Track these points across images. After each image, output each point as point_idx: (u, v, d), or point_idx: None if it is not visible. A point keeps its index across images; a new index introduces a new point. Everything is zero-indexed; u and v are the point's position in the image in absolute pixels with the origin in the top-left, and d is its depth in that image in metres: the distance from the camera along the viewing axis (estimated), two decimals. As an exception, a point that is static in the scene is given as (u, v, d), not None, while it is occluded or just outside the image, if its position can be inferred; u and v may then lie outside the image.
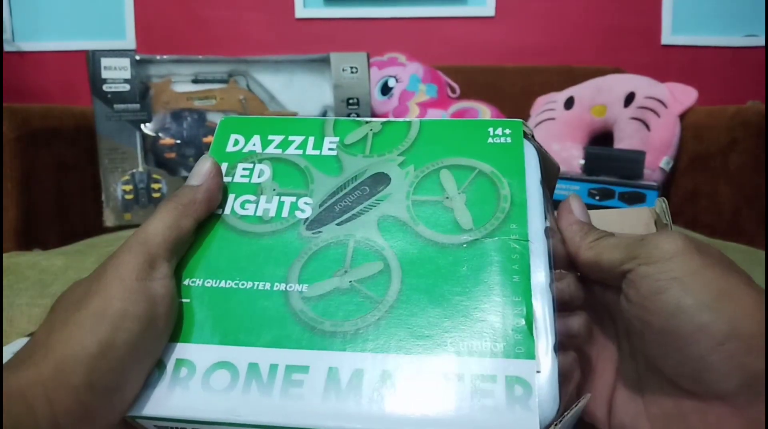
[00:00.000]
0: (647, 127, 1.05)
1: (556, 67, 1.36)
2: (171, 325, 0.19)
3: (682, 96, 1.06)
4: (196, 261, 0.21)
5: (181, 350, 0.19)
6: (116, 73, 0.90)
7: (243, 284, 0.20)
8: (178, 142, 0.93)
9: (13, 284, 0.46)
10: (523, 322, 0.18)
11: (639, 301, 0.18)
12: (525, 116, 1.23)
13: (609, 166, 0.96)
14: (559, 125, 1.15)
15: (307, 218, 0.21)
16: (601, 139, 1.15)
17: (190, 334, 0.19)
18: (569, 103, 1.17)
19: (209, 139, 0.96)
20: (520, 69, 1.34)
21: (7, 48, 1.84)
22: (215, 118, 0.96)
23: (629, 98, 1.09)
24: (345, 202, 0.22)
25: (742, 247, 0.60)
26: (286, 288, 0.19)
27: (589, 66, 1.36)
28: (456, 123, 0.23)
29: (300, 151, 0.23)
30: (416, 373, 0.17)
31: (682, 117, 1.05)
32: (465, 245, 0.20)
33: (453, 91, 1.22)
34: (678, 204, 1.04)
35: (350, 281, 0.19)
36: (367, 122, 0.24)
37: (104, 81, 0.89)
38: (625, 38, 1.71)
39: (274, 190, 0.22)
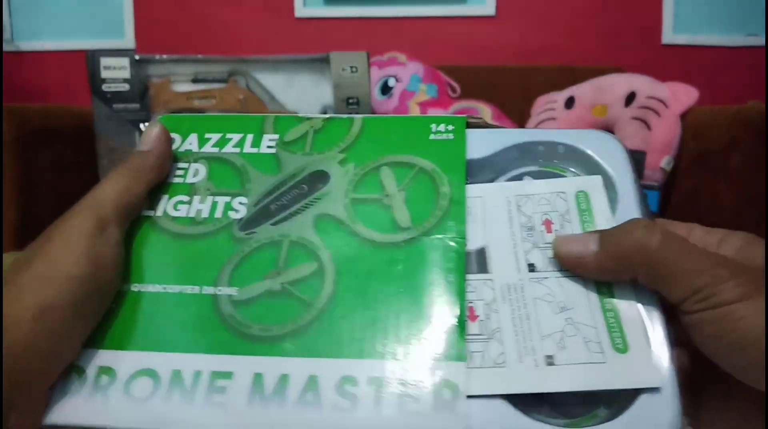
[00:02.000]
0: (648, 126, 1.05)
1: (556, 66, 1.35)
2: (114, 291, 0.19)
3: (682, 96, 1.06)
4: (124, 265, 0.21)
5: (103, 357, 0.18)
6: (116, 72, 0.90)
7: (171, 288, 0.19)
8: (178, 141, 0.93)
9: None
10: (455, 322, 0.17)
11: (701, 340, 0.17)
12: (525, 116, 1.23)
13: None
14: (559, 125, 1.15)
15: (241, 218, 0.21)
16: (601, 138, 1.15)
17: (113, 340, 0.19)
18: (570, 103, 1.16)
19: (209, 138, 0.96)
20: (520, 68, 1.34)
21: (6, 47, 1.84)
22: (215, 117, 0.96)
23: (630, 98, 1.09)
24: (281, 201, 0.21)
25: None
26: (215, 291, 0.19)
27: (589, 65, 1.36)
28: (399, 119, 0.23)
29: (237, 150, 0.23)
30: (343, 379, 0.16)
31: (683, 117, 1.05)
32: (402, 244, 0.19)
33: (453, 90, 1.22)
34: (679, 204, 1.04)
35: (282, 283, 0.19)
36: (308, 119, 0.23)
37: (104, 81, 0.89)
38: (626, 38, 1.71)
39: (208, 190, 0.22)
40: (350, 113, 1.10)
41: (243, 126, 0.23)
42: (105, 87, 0.89)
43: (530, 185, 0.22)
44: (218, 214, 0.21)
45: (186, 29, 1.81)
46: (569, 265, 0.20)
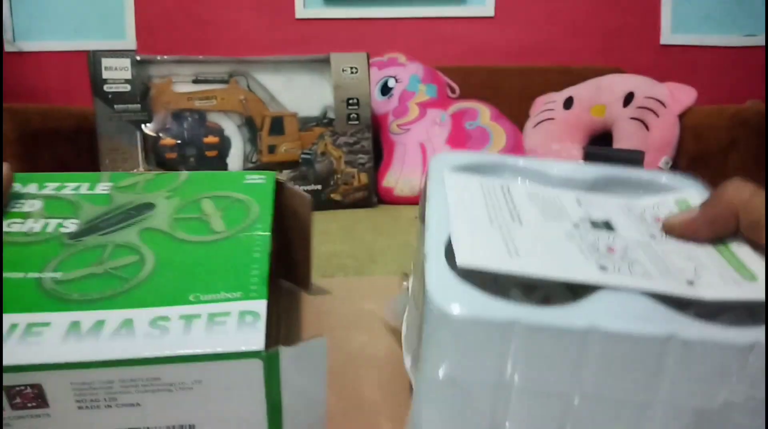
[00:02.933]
0: (646, 126, 1.05)
1: (555, 67, 1.36)
2: None
3: (681, 96, 1.06)
4: None
5: None
6: (117, 73, 0.91)
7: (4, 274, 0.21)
8: (179, 142, 0.94)
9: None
10: (258, 273, 0.21)
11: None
12: (524, 116, 1.23)
13: (608, 165, 0.97)
14: (558, 125, 1.15)
15: (71, 232, 0.23)
16: (600, 138, 1.16)
17: None
18: (568, 103, 1.17)
19: (210, 139, 0.96)
20: (519, 69, 1.34)
21: (7, 48, 1.85)
22: (216, 118, 0.97)
23: (628, 98, 1.10)
24: (110, 221, 0.24)
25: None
26: (39, 276, 0.21)
27: (588, 66, 1.36)
28: (219, 173, 0.28)
29: (73, 192, 0.26)
30: (156, 318, 0.18)
31: (682, 117, 1.06)
32: (217, 241, 0.23)
33: (452, 91, 1.22)
34: (677, 203, 1.05)
35: (105, 268, 0.21)
36: (141, 174, 0.27)
37: (105, 81, 0.89)
38: (625, 38, 1.72)
39: (41, 215, 0.24)
40: (350, 113, 1.10)
41: (80, 178, 0.27)
42: (106, 87, 0.90)
43: (641, 199, 0.26)
44: (49, 229, 0.23)
45: (187, 30, 1.82)
46: (682, 233, 0.22)
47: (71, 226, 0.23)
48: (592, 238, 0.22)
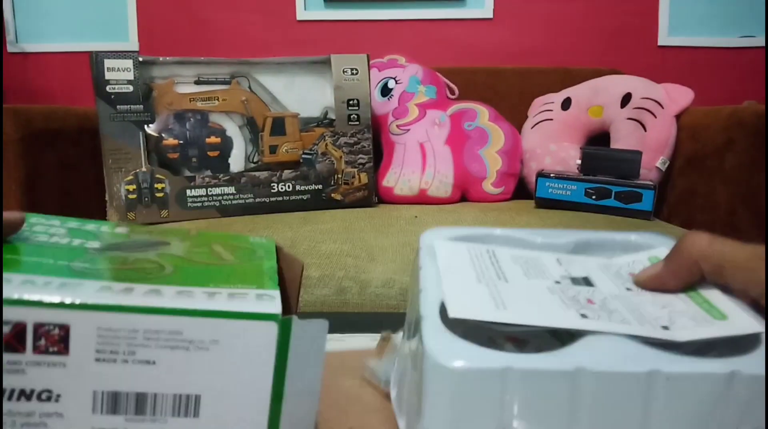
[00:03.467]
0: (643, 127, 1.06)
1: (553, 68, 1.37)
2: None
3: (678, 96, 1.07)
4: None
5: None
6: (119, 74, 0.92)
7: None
8: (181, 142, 0.94)
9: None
10: (269, 278, 0.23)
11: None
12: (523, 117, 1.24)
13: (606, 166, 0.98)
14: (556, 126, 1.16)
15: (94, 248, 0.24)
16: (597, 139, 1.17)
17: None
18: (566, 104, 1.18)
19: (212, 139, 0.97)
20: (517, 70, 1.35)
21: (10, 49, 1.86)
22: (218, 119, 0.98)
23: (626, 99, 1.11)
24: (132, 247, 0.25)
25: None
26: (68, 263, 0.21)
27: (586, 67, 1.37)
28: (224, 234, 0.29)
29: (94, 226, 0.27)
30: (180, 291, 0.20)
31: (678, 117, 1.07)
32: (228, 264, 0.24)
33: (452, 92, 1.23)
34: (674, 203, 1.06)
35: (131, 267, 0.22)
36: (159, 232, 0.29)
37: (107, 82, 0.90)
38: (622, 39, 1.73)
39: (67, 236, 0.25)
40: (351, 114, 1.11)
41: (98, 223, 0.28)
42: (109, 88, 0.91)
43: (617, 258, 0.28)
44: (75, 243, 0.24)
45: (189, 31, 1.83)
46: (651, 286, 0.24)
47: (93, 244, 0.25)
48: (573, 292, 0.24)
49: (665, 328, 0.20)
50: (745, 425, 0.18)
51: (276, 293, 0.21)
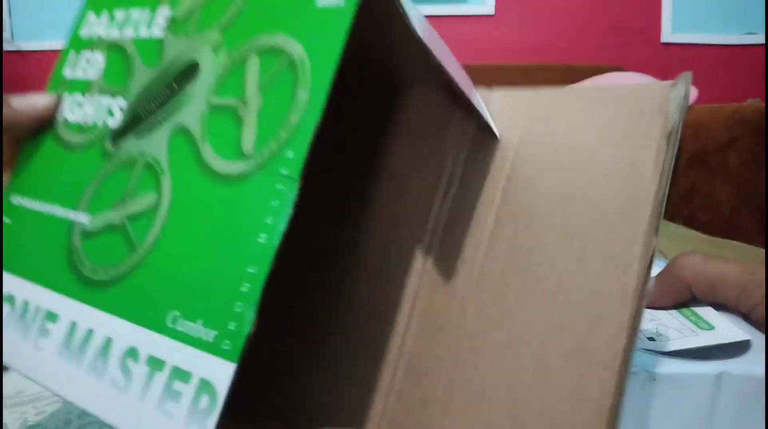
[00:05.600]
0: (646, 125, 1.05)
1: (556, 65, 1.36)
2: None
3: (681, 94, 1.06)
4: (23, 176, 0.20)
5: None
6: (116, 72, 0.90)
7: (43, 207, 0.19)
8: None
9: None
10: (241, 304, 0.14)
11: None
12: (524, 115, 1.23)
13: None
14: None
15: (115, 128, 0.20)
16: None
17: None
18: (568, 102, 1.17)
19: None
20: (520, 67, 1.34)
21: (6, 47, 1.85)
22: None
23: (628, 96, 1.09)
24: (151, 105, 0.19)
25: (740, 245, 0.61)
26: (74, 217, 0.18)
27: (589, 64, 1.36)
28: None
29: (133, 34, 0.21)
30: (127, 352, 0.15)
31: (681, 115, 1.05)
32: (234, 180, 0.16)
33: (452, 89, 1.22)
34: (676, 202, 1.05)
35: (122, 216, 0.18)
36: None
37: (104, 80, 0.89)
38: (625, 36, 1.71)
39: (99, 88, 0.21)
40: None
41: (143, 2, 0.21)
42: (105, 86, 0.89)
43: None
44: (100, 120, 0.20)
45: (186, 28, 1.81)
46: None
47: (117, 113, 0.20)
48: None
49: (651, 339, 0.20)
50: (736, 426, 0.18)
51: (226, 374, 0.14)
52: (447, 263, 0.20)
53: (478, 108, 0.21)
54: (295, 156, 0.15)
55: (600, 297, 0.17)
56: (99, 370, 0.16)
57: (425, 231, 0.22)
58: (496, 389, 0.17)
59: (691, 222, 0.98)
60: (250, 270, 0.14)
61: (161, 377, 0.15)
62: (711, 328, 0.21)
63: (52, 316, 0.17)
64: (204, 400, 0.14)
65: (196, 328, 0.15)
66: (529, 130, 0.22)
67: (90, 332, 0.16)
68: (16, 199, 0.20)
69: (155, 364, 0.15)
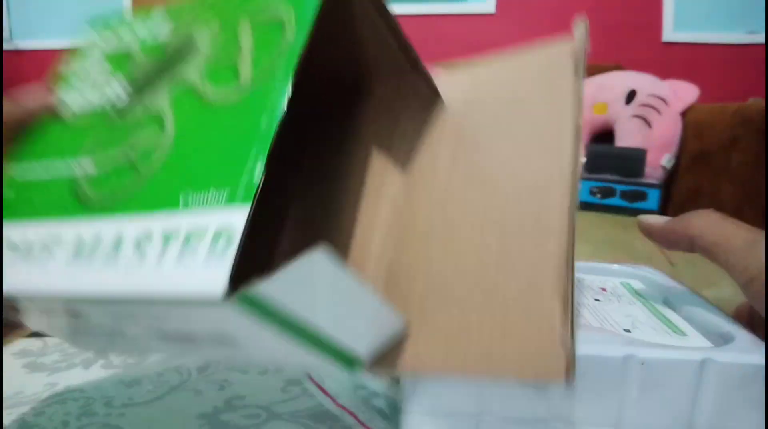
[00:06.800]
0: (648, 124, 1.05)
1: (556, 64, 1.35)
2: None
3: (683, 93, 1.06)
4: (21, 147, 0.21)
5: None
6: (115, 70, 0.90)
7: (45, 164, 0.20)
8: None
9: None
10: (251, 161, 0.16)
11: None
12: (526, 114, 1.23)
13: (610, 164, 0.96)
14: (560, 123, 1.15)
15: (117, 101, 0.21)
16: (602, 136, 1.15)
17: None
18: (570, 101, 1.16)
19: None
20: (520, 66, 1.33)
21: (4, 46, 1.84)
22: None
23: (630, 96, 1.09)
24: (151, 76, 0.21)
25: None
26: (76, 162, 0.19)
27: (589, 63, 1.36)
28: None
29: (138, 48, 0.23)
30: (141, 238, 0.16)
31: (684, 114, 1.05)
32: (236, 103, 0.18)
33: (453, 88, 1.22)
34: (680, 202, 1.04)
35: (126, 152, 0.19)
36: None
37: (103, 78, 0.89)
38: (627, 35, 1.71)
39: (100, 71, 0.23)
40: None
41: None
42: (105, 85, 0.89)
43: (591, 276, 0.29)
44: (102, 100, 0.21)
45: (186, 27, 1.81)
46: (646, 231, 0.25)
47: (119, 90, 0.21)
48: None
49: (627, 330, 0.21)
50: (721, 413, 0.18)
51: (242, 215, 0.15)
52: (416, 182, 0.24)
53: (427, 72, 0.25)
54: (285, 68, 0.17)
55: (541, 173, 0.20)
56: (111, 263, 0.15)
57: (395, 161, 0.25)
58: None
59: (693, 222, 0.98)
60: (256, 143, 0.16)
61: (176, 243, 0.15)
62: (683, 334, 0.22)
63: (57, 239, 0.17)
64: (221, 242, 0.14)
65: (208, 196, 0.16)
66: (469, 92, 0.26)
67: (97, 237, 0.16)
68: (14, 168, 0.21)
69: (169, 237, 0.15)
